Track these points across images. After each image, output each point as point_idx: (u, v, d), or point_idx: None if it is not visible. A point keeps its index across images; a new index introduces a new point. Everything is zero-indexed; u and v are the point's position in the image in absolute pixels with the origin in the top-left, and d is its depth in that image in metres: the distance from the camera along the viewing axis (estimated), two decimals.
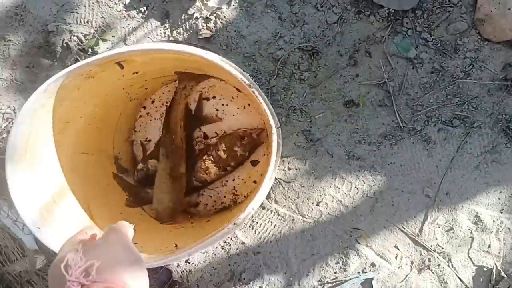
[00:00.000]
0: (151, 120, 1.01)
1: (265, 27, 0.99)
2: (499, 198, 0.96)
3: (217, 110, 0.99)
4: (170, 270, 0.98)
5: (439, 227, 0.97)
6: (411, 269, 0.97)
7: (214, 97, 0.99)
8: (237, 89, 0.99)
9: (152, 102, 1.01)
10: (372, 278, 0.97)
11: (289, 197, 1.00)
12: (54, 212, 0.74)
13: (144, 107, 1.01)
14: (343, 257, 0.98)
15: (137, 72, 0.80)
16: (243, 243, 1.00)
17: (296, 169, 1.00)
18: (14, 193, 0.69)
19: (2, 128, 1.02)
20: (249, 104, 0.99)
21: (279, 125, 0.78)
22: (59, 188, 0.76)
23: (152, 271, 0.96)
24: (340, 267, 0.98)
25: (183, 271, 1.01)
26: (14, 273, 0.92)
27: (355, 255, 0.98)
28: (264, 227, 1.00)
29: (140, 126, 1.02)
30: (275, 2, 0.99)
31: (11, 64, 1.03)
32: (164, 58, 0.75)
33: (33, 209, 0.70)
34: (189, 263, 1.01)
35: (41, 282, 0.91)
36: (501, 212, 0.96)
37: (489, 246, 0.96)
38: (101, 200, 0.84)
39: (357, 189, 0.99)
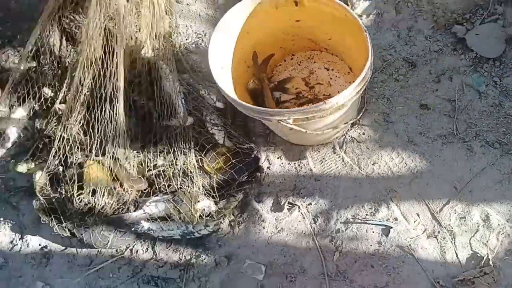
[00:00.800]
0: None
1: (386, 38, 1.43)
2: (509, 210, 1.23)
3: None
4: (259, 157, 1.39)
5: (455, 213, 1.26)
6: (422, 233, 1.26)
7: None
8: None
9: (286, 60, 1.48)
10: (391, 227, 1.28)
11: (355, 152, 1.37)
12: (224, 75, 1.21)
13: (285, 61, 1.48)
14: (376, 206, 1.31)
15: (298, 21, 1.28)
16: (311, 170, 1.39)
17: (368, 136, 1.38)
18: (211, 53, 1.18)
19: (195, 40, 1.56)
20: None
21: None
22: (226, 64, 1.25)
23: (245, 155, 1.38)
24: (371, 212, 1.31)
25: (264, 173, 1.41)
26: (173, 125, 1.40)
27: (385, 208, 1.30)
28: (329, 165, 1.38)
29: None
30: (399, 24, 1.43)
31: None
32: (321, 12, 1.19)
33: (217, 67, 1.18)
34: (269, 169, 1.41)
35: (186, 132, 1.37)
36: (507, 221, 1.22)
37: (488, 241, 1.21)
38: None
39: (406, 164, 1.33)
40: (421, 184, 1.31)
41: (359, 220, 1.31)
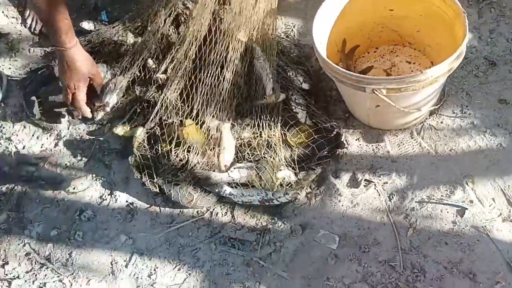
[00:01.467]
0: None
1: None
2: None
3: None
4: (340, 133, 1.48)
5: None
6: (497, 216, 1.31)
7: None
8: None
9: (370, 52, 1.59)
10: (466, 209, 1.33)
11: (432, 138, 1.45)
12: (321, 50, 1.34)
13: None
14: (452, 188, 1.37)
15: (392, 10, 1.40)
16: (388, 152, 1.47)
17: (446, 125, 1.46)
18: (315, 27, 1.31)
19: (285, 30, 1.70)
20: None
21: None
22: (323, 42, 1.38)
23: (327, 131, 1.47)
24: (447, 194, 1.37)
25: (343, 151, 1.50)
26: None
27: (461, 191, 1.36)
28: (406, 148, 1.46)
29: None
30: (481, 27, 1.53)
31: None
32: (415, 5, 1.31)
33: (318, 42, 1.31)
34: (347, 148, 1.50)
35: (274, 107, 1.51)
36: None
37: None
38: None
39: (483, 151, 1.39)
40: (498, 171, 1.36)
41: (434, 201, 1.37)
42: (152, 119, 1.53)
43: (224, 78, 1.50)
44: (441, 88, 1.39)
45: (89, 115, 1.57)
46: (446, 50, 1.27)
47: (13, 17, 1.91)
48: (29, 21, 1.87)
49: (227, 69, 1.50)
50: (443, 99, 1.47)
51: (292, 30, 1.72)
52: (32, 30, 1.87)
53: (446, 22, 1.31)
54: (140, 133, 1.51)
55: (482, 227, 1.30)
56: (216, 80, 1.50)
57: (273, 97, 1.50)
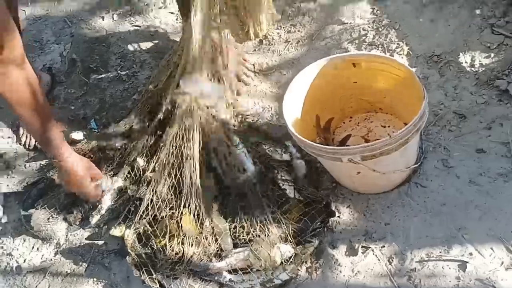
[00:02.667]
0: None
1: (435, 97, 1.61)
2: None
3: None
4: (330, 202, 1.50)
5: None
6: (500, 266, 1.29)
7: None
8: None
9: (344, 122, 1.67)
10: (467, 262, 1.32)
11: (421, 196, 1.47)
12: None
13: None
14: (449, 243, 1.36)
15: (355, 82, 1.50)
16: (380, 215, 1.48)
17: (431, 181, 1.48)
18: (285, 110, 1.39)
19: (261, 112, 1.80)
20: None
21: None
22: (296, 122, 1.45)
23: (316, 203, 1.50)
24: (445, 249, 1.35)
25: (336, 221, 1.51)
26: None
27: (458, 244, 1.35)
28: (397, 210, 1.47)
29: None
30: (445, 85, 1.62)
31: None
32: (376, 71, 1.41)
33: (290, 123, 1.38)
34: (339, 217, 1.51)
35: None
36: None
37: None
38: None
39: (472, 202, 1.41)
40: (491, 220, 1.37)
41: (434, 258, 1.35)
42: (141, 217, 1.56)
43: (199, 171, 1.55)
44: (416, 147, 1.44)
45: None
46: (413, 111, 1.33)
47: (9, 137, 2.01)
48: (23, 139, 1.97)
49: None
50: (422, 156, 1.52)
51: (269, 110, 1.81)
52: (26, 146, 1.97)
53: (407, 86, 1.40)
54: (129, 234, 1.54)
55: (487, 278, 1.28)
56: (194, 173, 1.55)
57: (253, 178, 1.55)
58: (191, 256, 1.46)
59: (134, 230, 1.56)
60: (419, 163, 1.49)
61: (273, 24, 1.91)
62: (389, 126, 1.61)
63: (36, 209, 1.73)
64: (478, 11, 1.72)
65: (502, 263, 1.30)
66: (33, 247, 1.72)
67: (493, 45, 1.65)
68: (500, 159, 1.46)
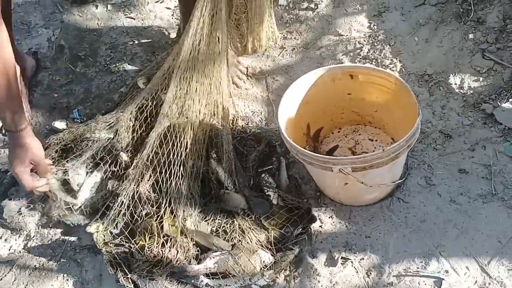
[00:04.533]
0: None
1: (423, 115, 1.63)
2: None
3: None
4: (310, 208, 1.50)
5: (503, 265, 1.33)
6: (473, 284, 1.32)
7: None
8: None
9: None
10: (443, 279, 1.34)
11: (402, 211, 1.49)
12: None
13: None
14: (427, 259, 1.38)
15: (350, 94, 1.51)
16: (361, 228, 1.49)
17: (413, 197, 1.51)
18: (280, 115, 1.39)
19: (251, 116, 1.79)
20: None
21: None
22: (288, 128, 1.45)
23: (298, 209, 1.50)
24: (423, 265, 1.38)
25: (317, 231, 1.52)
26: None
27: (435, 261, 1.37)
28: (378, 223, 1.48)
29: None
30: (433, 104, 1.65)
31: None
32: (372, 84, 1.42)
33: (283, 127, 1.38)
34: (321, 227, 1.52)
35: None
36: None
37: None
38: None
39: (451, 221, 1.44)
40: (467, 239, 1.40)
41: (411, 273, 1.37)
42: (119, 214, 1.53)
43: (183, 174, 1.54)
44: (403, 163, 1.46)
45: (38, 190, 1.55)
46: (403, 127, 1.35)
47: None
48: None
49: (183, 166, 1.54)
50: (406, 172, 1.54)
51: (258, 115, 1.80)
52: (3, 132, 1.90)
53: (399, 102, 1.42)
54: (99, 231, 1.50)
55: None
56: (177, 177, 1.53)
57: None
58: (171, 260, 1.43)
59: (108, 226, 1.52)
60: (403, 179, 1.51)
61: (273, 41, 1.91)
62: (376, 140, 1.63)
63: (9, 199, 1.67)
64: (471, 35, 1.77)
65: (476, 282, 1.33)
66: (0, 238, 1.66)
67: (483, 70, 1.70)
68: (480, 181, 1.50)
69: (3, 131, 1.88)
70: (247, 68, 1.91)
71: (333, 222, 1.52)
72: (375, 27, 1.91)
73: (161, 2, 2.12)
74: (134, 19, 2.10)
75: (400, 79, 1.39)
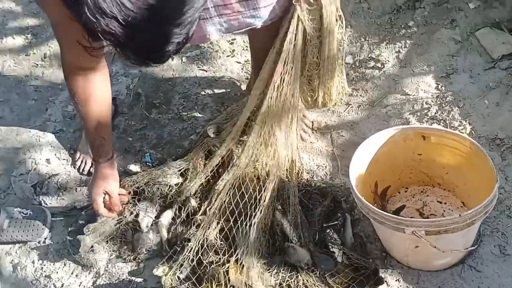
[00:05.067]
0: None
1: None
2: None
3: None
4: (378, 269, 1.47)
5: None
6: None
7: None
8: None
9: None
10: None
11: (474, 281, 1.43)
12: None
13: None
14: None
15: (420, 155, 1.51)
16: None
17: (486, 266, 1.45)
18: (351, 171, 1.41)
19: (315, 170, 1.82)
20: None
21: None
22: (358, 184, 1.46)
23: (364, 269, 1.47)
24: None
25: None
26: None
27: None
28: None
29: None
30: (506, 169, 1.61)
31: None
32: (444, 146, 1.42)
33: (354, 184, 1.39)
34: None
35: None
36: None
37: None
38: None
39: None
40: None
41: None
42: (187, 259, 1.56)
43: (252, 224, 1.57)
44: (477, 229, 1.42)
45: (114, 214, 1.69)
46: (475, 191, 1.33)
47: (64, 159, 2.08)
48: (78, 163, 2.03)
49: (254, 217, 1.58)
50: (479, 239, 1.49)
51: (323, 169, 1.82)
52: (80, 171, 2.02)
53: (473, 165, 1.40)
54: (168, 276, 1.54)
55: None
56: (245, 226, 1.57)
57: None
58: None
59: (175, 271, 1.55)
60: (476, 245, 1.47)
61: (343, 96, 1.96)
62: (445, 203, 1.60)
63: (86, 235, 1.75)
64: None
65: None
66: (72, 273, 1.73)
67: None
68: None
69: (81, 170, 2.00)
70: (312, 122, 1.96)
71: (400, 286, 1.48)
72: (443, 88, 1.92)
73: (232, 56, 2.24)
74: (206, 71, 2.21)
75: (475, 143, 1.38)
